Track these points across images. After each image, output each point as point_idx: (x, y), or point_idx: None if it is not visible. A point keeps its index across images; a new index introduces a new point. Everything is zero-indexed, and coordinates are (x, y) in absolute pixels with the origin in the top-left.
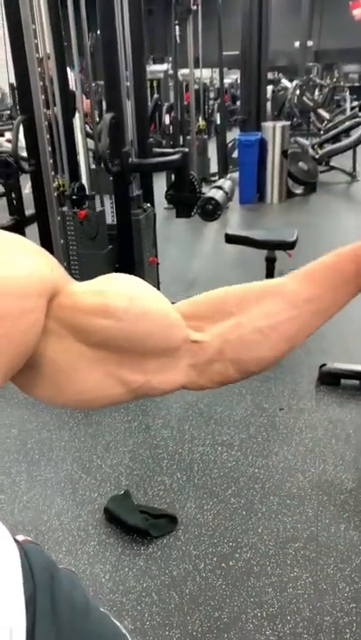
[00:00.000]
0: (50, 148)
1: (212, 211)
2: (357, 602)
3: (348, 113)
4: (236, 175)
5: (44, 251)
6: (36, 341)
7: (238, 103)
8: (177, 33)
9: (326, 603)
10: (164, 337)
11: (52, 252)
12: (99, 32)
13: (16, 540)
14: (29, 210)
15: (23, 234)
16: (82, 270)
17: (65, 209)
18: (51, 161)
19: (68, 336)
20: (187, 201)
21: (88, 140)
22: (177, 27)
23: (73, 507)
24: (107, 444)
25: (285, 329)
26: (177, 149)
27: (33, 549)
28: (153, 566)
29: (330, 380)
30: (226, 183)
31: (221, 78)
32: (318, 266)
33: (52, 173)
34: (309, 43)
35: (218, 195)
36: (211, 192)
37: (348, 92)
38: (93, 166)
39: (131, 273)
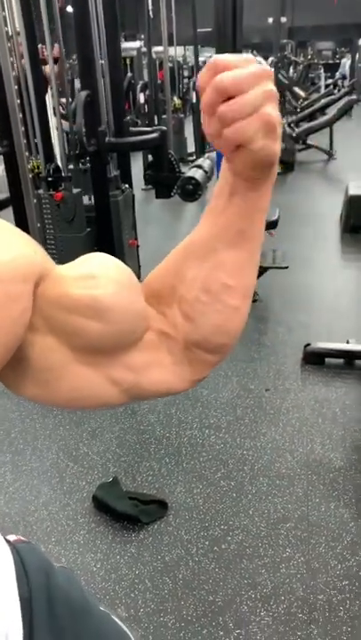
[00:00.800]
0: (23, 128)
1: (192, 190)
2: (350, 579)
3: (323, 90)
4: (213, 155)
5: (24, 233)
6: (23, 332)
7: None
8: (150, 8)
9: (319, 581)
10: (139, 328)
11: None
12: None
13: (7, 541)
14: (3, 193)
15: None
16: (60, 254)
17: (41, 191)
18: (24, 141)
19: (51, 335)
20: (166, 181)
21: (62, 121)
22: (150, 1)
23: (61, 496)
24: (93, 431)
25: (216, 280)
26: (155, 127)
27: (26, 549)
28: (145, 553)
29: (314, 359)
30: (205, 162)
31: (196, 55)
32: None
33: (27, 154)
34: (283, 19)
35: (198, 174)
36: (190, 171)
37: (322, 70)
38: (71, 166)
39: (110, 255)
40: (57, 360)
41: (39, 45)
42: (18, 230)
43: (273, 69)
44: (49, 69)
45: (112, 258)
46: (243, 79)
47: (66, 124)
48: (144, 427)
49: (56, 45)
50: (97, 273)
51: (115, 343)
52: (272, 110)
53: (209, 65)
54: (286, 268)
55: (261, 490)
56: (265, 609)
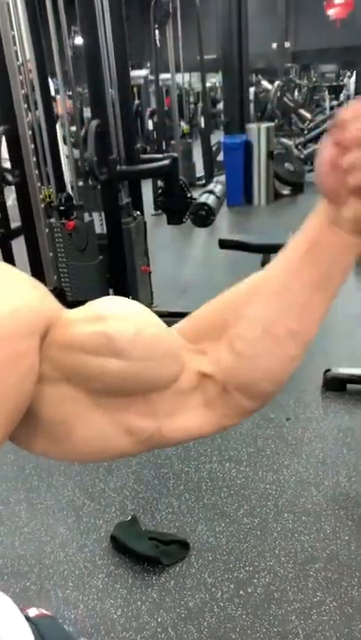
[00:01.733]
0: (35, 159)
1: (205, 216)
2: None
3: (328, 112)
4: (222, 178)
5: (30, 278)
6: (32, 389)
7: (218, 106)
8: (157, 37)
9: (354, 629)
10: (173, 370)
11: (40, 266)
12: (76, 40)
13: (27, 617)
14: (15, 222)
15: (9, 248)
16: (72, 283)
17: (52, 220)
18: (36, 171)
19: (65, 383)
20: (178, 207)
21: (73, 149)
22: (156, 31)
23: (77, 536)
24: (109, 466)
25: (283, 325)
26: (165, 155)
27: (47, 625)
28: (167, 598)
29: (336, 385)
30: (217, 187)
31: (203, 81)
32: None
33: (38, 184)
34: (287, 44)
35: (210, 199)
36: (202, 197)
37: (326, 92)
38: (81, 183)
39: (123, 283)
40: (70, 411)
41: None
42: (21, 275)
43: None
44: (59, 100)
45: (121, 299)
46: None
47: (76, 153)
48: (162, 460)
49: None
50: (105, 313)
51: (137, 384)
52: None
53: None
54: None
55: (287, 527)
56: None
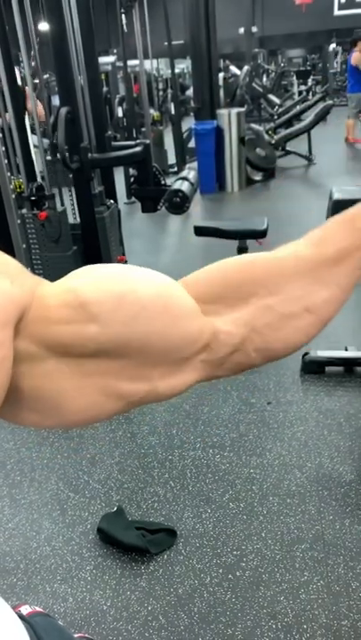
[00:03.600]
0: (3, 148)
1: (180, 203)
2: None
3: (297, 97)
4: (195, 165)
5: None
6: (7, 379)
7: (187, 93)
8: (123, 23)
9: (342, 606)
10: (174, 335)
11: (13, 258)
12: (40, 26)
13: (20, 615)
14: None
15: None
16: (47, 275)
17: (24, 211)
18: (5, 161)
19: (49, 356)
20: (152, 195)
21: (42, 139)
22: (123, 16)
23: (63, 529)
24: (92, 458)
25: (320, 309)
26: (138, 141)
27: (42, 624)
28: (156, 586)
29: (314, 368)
30: (190, 173)
31: (172, 68)
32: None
33: (8, 174)
34: (254, 29)
35: (184, 186)
36: (176, 184)
37: (294, 77)
38: (49, 157)
39: None
40: (56, 386)
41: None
42: None
43: (248, 78)
44: (28, 90)
45: (111, 265)
46: None
47: (45, 142)
48: (145, 450)
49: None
50: (78, 285)
51: (136, 349)
52: None
53: None
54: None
55: (272, 510)
56: (288, 639)
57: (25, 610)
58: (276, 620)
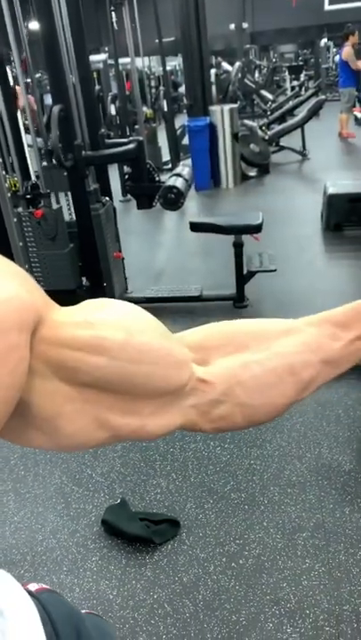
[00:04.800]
0: None
1: (174, 199)
2: None
3: (289, 92)
4: (188, 162)
5: (19, 269)
6: (23, 383)
7: (180, 90)
8: (114, 20)
9: (343, 591)
10: (166, 378)
11: (10, 257)
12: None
13: (29, 592)
14: None
15: None
16: (44, 272)
17: (20, 210)
18: (0, 160)
19: (53, 377)
20: (147, 192)
21: (36, 138)
22: (113, 13)
23: (68, 522)
24: (95, 452)
25: (302, 372)
26: (131, 138)
27: (51, 600)
28: (161, 575)
29: None
30: (185, 170)
31: (164, 65)
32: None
33: (3, 173)
34: (245, 25)
35: (178, 182)
36: (170, 180)
37: (286, 72)
38: (45, 163)
39: (96, 270)
40: (56, 407)
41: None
42: (10, 267)
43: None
44: (19, 89)
45: (117, 303)
46: None
47: (39, 140)
48: (147, 443)
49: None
50: (99, 320)
51: (125, 386)
52: None
53: None
54: (274, 270)
55: (273, 500)
56: (291, 625)
57: (33, 587)
58: (280, 606)
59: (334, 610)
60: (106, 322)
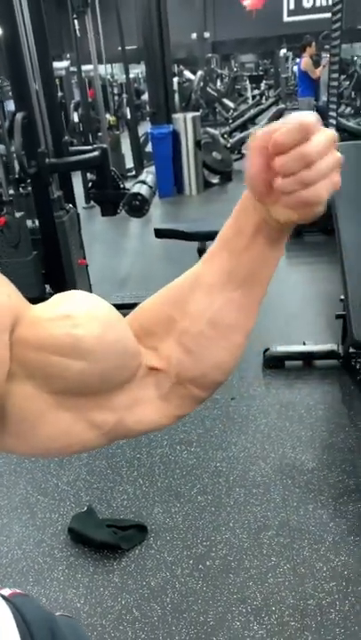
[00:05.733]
0: None
1: (139, 206)
2: (336, 579)
3: (251, 101)
4: (152, 169)
5: None
6: (2, 383)
7: (143, 97)
8: (77, 27)
9: (307, 586)
10: (130, 368)
11: None
12: None
13: (2, 596)
14: None
15: None
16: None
17: None
18: None
19: (28, 381)
20: (111, 199)
21: None
22: (76, 21)
23: (34, 532)
24: (60, 461)
25: (225, 317)
26: (95, 146)
27: (25, 603)
28: (129, 580)
29: (275, 363)
30: (149, 177)
31: (127, 72)
32: (219, 238)
33: None
34: (206, 34)
35: (143, 189)
36: (135, 187)
37: (248, 81)
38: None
39: (61, 278)
40: (34, 409)
41: None
42: None
43: (202, 83)
44: None
45: (89, 295)
46: (325, 148)
47: (2, 147)
48: (113, 450)
49: None
50: (73, 312)
51: (99, 383)
52: (339, 176)
53: (300, 128)
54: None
55: (239, 501)
56: (257, 622)
57: (5, 592)
58: (246, 604)
59: (299, 605)
60: (80, 313)
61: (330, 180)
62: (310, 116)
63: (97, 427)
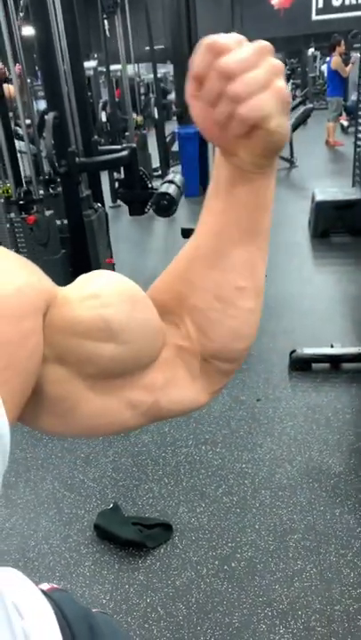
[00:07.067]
0: None
1: (167, 206)
2: None
3: None
4: (178, 169)
5: (27, 261)
6: (39, 367)
7: (169, 97)
8: (106, 27)
9: (334, 592)
10: (157, 348)
11: None
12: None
13: (43, 591)
14: None
15: None
16: None
17: (12, 215)
18: None
19: (64, 366)
20: (139, 198)
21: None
22: (105, 21)
23: (60, 527)
24: (86, 457)
25: (229, 283)
26: (124, 145)
27: (64, 599)
28: (154, 579)
29: (301, 365)
30: (176, 177)
31: (155, 72)
32: (204, 205)
33: None
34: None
35: (171, 189)
36: (163, 187)
37: None
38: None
39: None
40: (70, 390)
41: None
42: (19, 257)
43: None
44: (12, 91)
45: (115, 274)
46: (249, 58)
47: (32, 147)
48: (138, 448)
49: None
50: (101, 292)
51: (131, 365)
52: (283, 84)
53: (207, 48)
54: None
55: (265, 503)
56: (283, 626)
57: (44, 587)
58: (272, 608)
59: (326, 610)
60: (108, 291)
61: (272, 90)
62: (223, 36)
63: (133, 406)
